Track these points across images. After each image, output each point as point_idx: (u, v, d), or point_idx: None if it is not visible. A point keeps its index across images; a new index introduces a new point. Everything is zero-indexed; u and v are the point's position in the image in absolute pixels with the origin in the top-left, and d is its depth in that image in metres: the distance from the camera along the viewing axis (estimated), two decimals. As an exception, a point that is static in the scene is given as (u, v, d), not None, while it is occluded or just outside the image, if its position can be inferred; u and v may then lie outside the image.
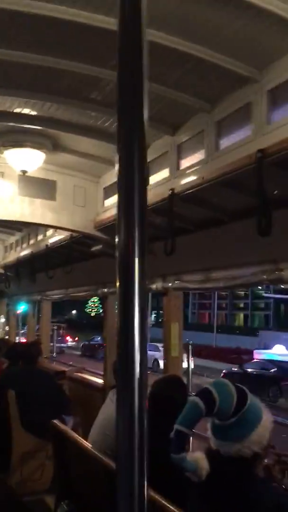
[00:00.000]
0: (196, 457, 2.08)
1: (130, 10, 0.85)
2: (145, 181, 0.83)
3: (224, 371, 23.75)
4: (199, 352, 29.86)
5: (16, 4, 2.42)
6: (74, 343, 41.84)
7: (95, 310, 57.29)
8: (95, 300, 54.01)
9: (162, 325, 5.30)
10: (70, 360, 16.28)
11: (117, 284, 0.80)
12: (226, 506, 2.03)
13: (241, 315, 57.87)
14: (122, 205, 0.82)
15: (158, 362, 20.05)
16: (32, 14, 2.48)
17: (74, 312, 66.87)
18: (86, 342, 37.53)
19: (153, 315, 51.56)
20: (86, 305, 59.33)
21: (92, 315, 58.36)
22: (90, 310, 59.54)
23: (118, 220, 0.82)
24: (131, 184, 0.81)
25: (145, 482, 0.73)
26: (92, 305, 58.01)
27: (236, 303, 58.09)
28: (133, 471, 0.72)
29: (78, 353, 35.82)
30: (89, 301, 56.20)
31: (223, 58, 2.71)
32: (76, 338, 42.79)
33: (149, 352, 0.78)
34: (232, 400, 2.12)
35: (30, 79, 3.21)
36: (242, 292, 52.57)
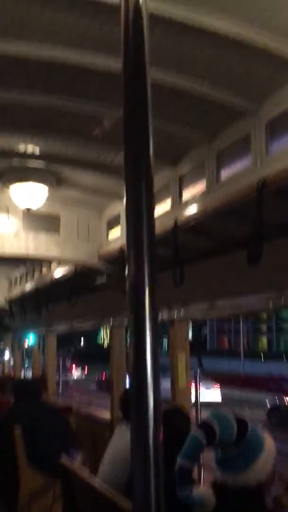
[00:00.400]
0: (202, 491, 2.06)
1: (134, 51, 0.88)
2: (152, 215, 0.85)
3: (267, 404, 18.55)
4: (228, 381, 26.78)
5: (19, 50, 2.52)
6: (80, 375, 40.29)
7: (107, 341, 55.79)
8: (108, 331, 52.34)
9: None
10: (86, 395, 14.46)
11: (128, 315, 0.81)
12: None
13: (264, 339, 56.12)
14: (131, 238, 0.83)
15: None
16: (34, 59, 2.58)
17: (82, 343, 65.47)
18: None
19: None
20: (98, 335, 57.88)
21: (105, 346, 56.96)
22: (102, 341, 57.92)
23: (127, 253, 0.83)
24: (139, 218, 0.83)
25: None
26: (105, 336, 56.37)
27: (258, 327, 56.41)
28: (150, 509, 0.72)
29: (92, 387, 32.32)
30: (101, 331, 54.70)
31: (221, 92, 2.79)
32: (85, 372, 40.69)
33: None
34: (233, 430, 2.12)
35: (33, 119, 3.31)
36: (265, 315, 50.52)
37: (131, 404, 0.77)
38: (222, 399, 22.08)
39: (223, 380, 25.75)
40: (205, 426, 2.13)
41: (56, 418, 5.05)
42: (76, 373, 40.51)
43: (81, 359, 47.70)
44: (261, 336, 56.67)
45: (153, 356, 0.78)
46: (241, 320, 47.72)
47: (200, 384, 5.31)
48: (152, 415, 0.75)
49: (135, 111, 0.87)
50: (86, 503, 3.18)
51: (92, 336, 59.50)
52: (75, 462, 3.80)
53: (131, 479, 2.49)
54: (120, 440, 3.40)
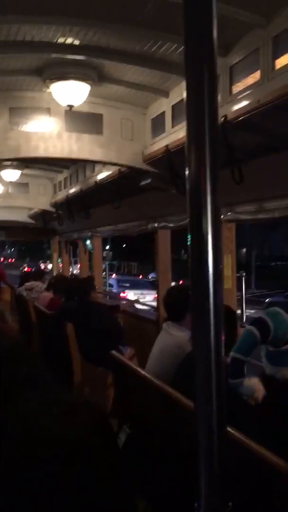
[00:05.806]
0: (253, 382, 2.16)
1: None
2: (216, 107, 0.76)
3: None
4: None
5: None
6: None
7: None
8: None
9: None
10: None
11: (190, 215, 0.76)
12: (283, 427, 2.10)
13: None
14: (192, 133, 0.76)
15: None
16: None
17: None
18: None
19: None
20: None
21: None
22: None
23: (187, 150, 0.76)
24: (201, 113, 0.75)
25: (225, 417, 0.73)
26: None
27: None
28: (212, 405, 0.72)
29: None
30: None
31: None
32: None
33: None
34: (286, 327, 2.17)
35: (71, 4, 3.05)
36: None
37: (193, 305, 0.74)
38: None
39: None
40: (260, 323, 2.17)
41: (105, 316, 5.29)
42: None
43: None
44: None
45: (215, 257, 0.74)
46: None
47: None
48: (213, 317, 0.72)
49: None
50: (135, 391, 3.41)
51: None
52: (124, 357, 4.02)
53: (177, 373, 2.59)
54: (167, 337, 3.52)
